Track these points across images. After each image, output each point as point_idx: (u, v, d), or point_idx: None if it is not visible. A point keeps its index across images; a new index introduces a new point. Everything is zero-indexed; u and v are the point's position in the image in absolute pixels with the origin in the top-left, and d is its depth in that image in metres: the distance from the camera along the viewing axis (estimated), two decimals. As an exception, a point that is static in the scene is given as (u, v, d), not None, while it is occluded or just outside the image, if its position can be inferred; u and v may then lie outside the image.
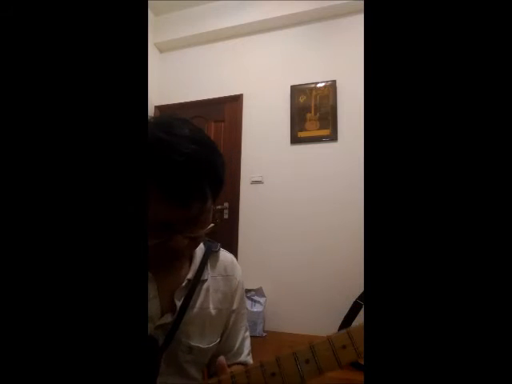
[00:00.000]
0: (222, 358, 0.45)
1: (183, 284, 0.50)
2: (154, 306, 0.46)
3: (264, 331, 2.07)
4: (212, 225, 0.45)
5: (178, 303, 0.48)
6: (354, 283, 1.85)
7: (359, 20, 2.32)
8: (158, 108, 2.79)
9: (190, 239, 0.42)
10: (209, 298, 0.53)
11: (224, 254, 0.59)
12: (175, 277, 0.50)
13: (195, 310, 0.51)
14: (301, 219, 2.26)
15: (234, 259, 0.60)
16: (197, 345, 0.50)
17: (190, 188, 0.38)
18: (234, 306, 0.57)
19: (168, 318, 0.47)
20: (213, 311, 0.53)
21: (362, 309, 1.67)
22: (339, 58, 2.39)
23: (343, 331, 0.40)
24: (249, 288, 2.14)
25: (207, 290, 0.53)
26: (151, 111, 2.76)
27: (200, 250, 0.55)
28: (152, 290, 0.47)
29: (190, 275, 0.51)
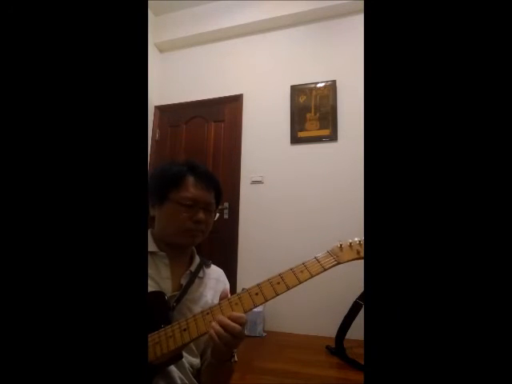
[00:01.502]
0: (226, 289, 0.70)
1: (187, 272, 0.69)
2: (167, 284, 0.65)
3: (264, 331, 2.07)
4: (218, 215, 0.73)
5: (183, 283, 0.67)
6: (354, 283, 1.85)
7: (359, 20, 2.32)
8: (158, 108, 2.78)
9: (205, 221, 0.67)
10: (206, 290, 0.71)
11: (215, 267, 0.80)
12: (182, 269, 0.70)
13: (197, 294, 0.69)
14: (301, 219, 2.26)
15: (223, 272, 0.81)
16: None
17: (209, 181, 0.69)
18: None
19: (176, 293, 0.65)
20: (209, 301, 0.70)
21: (362, 309, 1.67)
22: (339, 58, 2.39)
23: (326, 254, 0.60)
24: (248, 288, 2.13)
25: (205, 284, 0.72)
26: (151, 111, 2.76)
27: (198, 258, 0.74)
28: (167, 273, 0.66)
29: (192, 268, 0.70)
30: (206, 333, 0.53)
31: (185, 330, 0.53)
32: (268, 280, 0.56)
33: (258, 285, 0.57)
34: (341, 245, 0.60)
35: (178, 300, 0.64)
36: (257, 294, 0.56)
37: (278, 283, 0.56)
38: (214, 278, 0.76)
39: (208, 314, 0.54)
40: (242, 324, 0.53)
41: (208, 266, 0.77)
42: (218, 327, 0.51)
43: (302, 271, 0.56)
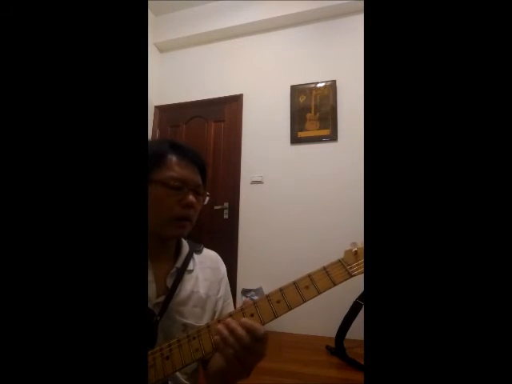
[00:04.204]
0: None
1: (172, 271, 0.60)
2: (151, 289, 0.57)
3: (264, 331, 2.07)
4: (208, 198, 0.64)
5: (169, 285, 0.59)
6: (354, 283, 1.84)
7: (359, 20, 2.32)
8: (158, 108, 2.78)
9: (195, 206, 0.58)
10: (198, 284, 0.63)
11: (208, 251, 0.71)
12: (167, 266, 0.61)
13: (187, 292, 0.60)
14: (301, 219, 2.26)
15: (218, 255, 0.72)
16: (190, 322, 0.58)
17: (195, 160, 0.60)
18: (220, 294, 0.67)
19: (162, 299, 0.57)
20: (203, 295, 0.63)
21: (362, 309, 1.67)
22: (339, 58, 2.39)
23: (337, 262, 0.49)
24: (249, 288, 2.14)
25: (196, 277, 0.64)
26: (151, 111, 2.76)
27: (185, 247, 0.66)
28: (150, 276, 0.57)
29: (178, 264, 0.62)
30: (192, 362, 0.46)
31: (167, 358, 0.46)
32: (267, 297, 0.47)
33: (254, 303, 0.47)
34: (356, 251, 0.48)
35: (164, 307, 0.56)
36: (252, 315, 0.47)
37: (278, 302, 0.47)
38: (209, 267, 0.67)
39: (195, 338, 0.46)
40: (257, 336, 0.42)
41: (199, 252, 0.67)
42: (224, 331, 0.43)
43: (307, 287, 0.47)
